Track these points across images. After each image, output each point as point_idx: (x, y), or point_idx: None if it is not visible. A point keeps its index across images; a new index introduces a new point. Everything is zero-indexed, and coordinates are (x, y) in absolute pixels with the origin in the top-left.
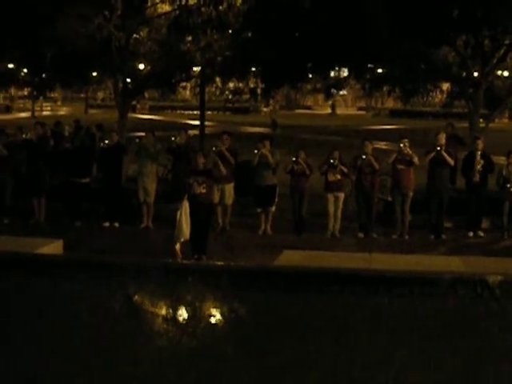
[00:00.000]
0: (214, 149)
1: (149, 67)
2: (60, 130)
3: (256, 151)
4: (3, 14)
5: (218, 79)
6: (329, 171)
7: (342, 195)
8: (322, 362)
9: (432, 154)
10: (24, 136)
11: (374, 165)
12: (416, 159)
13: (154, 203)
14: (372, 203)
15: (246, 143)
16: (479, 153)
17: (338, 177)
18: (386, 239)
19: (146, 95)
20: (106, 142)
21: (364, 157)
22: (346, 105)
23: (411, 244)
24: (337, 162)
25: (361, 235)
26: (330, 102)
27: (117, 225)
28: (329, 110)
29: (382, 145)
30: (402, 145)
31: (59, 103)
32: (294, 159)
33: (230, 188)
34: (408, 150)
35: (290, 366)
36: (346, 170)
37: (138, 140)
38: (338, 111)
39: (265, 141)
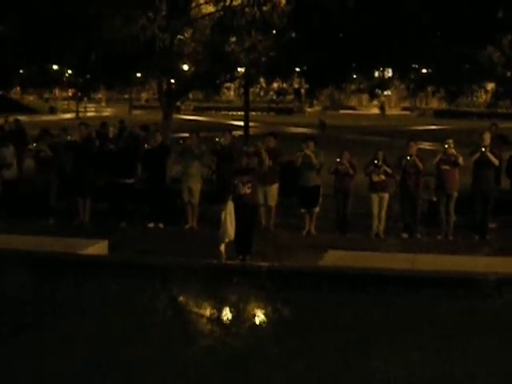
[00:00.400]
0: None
1: (193, 68)
2: (105, 130)
3: (299, 152)
4: (49, 16)
5: (262, 80)
6: (373, 172)
7: (386, 196)
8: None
9: (477, 155)
10: (69, 138)
11: (418, 165)
12: (461, 160)
13: (198, 204)
14: (417, 204)
15: (290, 144)
16: None
17: (382, 177)
18: (430, 240)
19: (190, 96)
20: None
21: (409, 158)
22: (390, 105)
23: (456, 245)
24: (380, 162)
25: (405, 236)
26: (376, 102)
27: (161, 225)
28: (375, 111)
29: (426, 145)
30: (446, 145)
31: (103, 104)
32: (338, 160)
33: (274, 189)
34: (453, 150)
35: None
36: (389, 170)
37: (182, 141)
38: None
39: (308, 141)
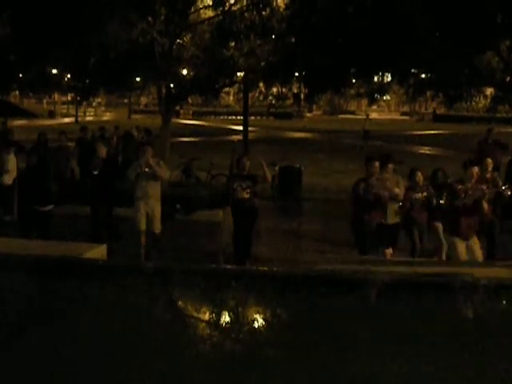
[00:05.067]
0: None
1: (192, 73)
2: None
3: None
4: (48, 19)
5: (261, 84)
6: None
7: None
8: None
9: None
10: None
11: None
12: None
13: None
14: None
15: (289, 148)
16: None
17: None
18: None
19: (190, 101)
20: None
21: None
22: (389, 109)
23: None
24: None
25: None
26: (375, 107)
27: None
28: (375, 115)
29: (426, 150)
30: None
31: (103, 108)
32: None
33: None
34: None
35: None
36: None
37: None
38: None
39: (388, 162)
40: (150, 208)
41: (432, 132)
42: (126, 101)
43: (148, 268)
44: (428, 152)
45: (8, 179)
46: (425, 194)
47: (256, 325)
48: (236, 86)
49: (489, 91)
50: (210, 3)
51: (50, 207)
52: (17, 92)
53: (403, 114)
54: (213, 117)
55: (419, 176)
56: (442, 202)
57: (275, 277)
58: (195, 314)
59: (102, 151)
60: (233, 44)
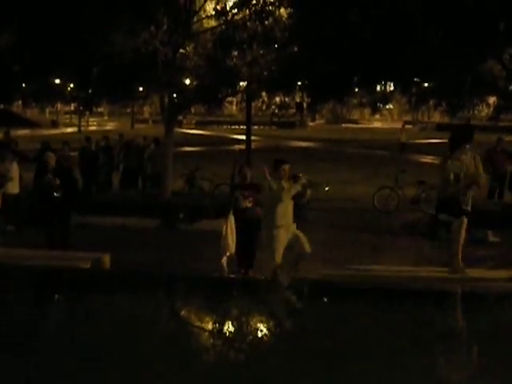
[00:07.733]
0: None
1: (195, 82)
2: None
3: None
4: (50, 30)
5: (264, 94)
6: None
7: None
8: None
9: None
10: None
11: None
12: None
13: None
14: None
15: (292, 157)
16: None
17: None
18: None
19: (193, 110)
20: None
21: None
22: (392, 119)
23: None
24: None
25: None
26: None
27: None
28: (377, 124)
29: (429, 159)
30: None
31: (106, 118)
32: None
33: None
34: None
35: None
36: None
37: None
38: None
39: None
40: (290, 233)
41: (436, 141)
42: (128, 110)
43: (150, 276)
44: (431, 161)
45: (12, 188)
46: None
47: (260, 333)
48: (239, 95)
49: (491, 100)
50: (213, 13)
51: None
52: (20, 102)
53: (406, 123)
54: (216, 126)
55: None
56: None
57: (276, 285)
58: (199, 323)
59: (52, 161)
60: (236, 53)
